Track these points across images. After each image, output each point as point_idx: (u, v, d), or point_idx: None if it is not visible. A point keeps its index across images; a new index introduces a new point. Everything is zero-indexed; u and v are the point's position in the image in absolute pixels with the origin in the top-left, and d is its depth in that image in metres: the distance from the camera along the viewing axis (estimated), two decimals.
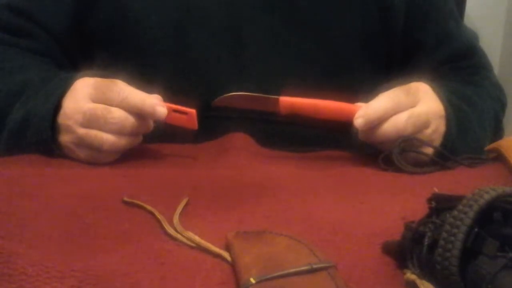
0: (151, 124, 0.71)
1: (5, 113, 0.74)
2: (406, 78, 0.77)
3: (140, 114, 0.69)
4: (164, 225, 0.52)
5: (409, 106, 0.73)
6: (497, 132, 0.91)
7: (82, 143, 0.69)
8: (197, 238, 0.48)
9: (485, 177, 0.70)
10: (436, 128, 0.75)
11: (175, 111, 0.71)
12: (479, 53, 0.96)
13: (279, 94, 0.76)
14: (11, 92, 0.76)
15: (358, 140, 0.74)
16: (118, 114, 0.68)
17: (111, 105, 0.69)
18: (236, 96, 0.75)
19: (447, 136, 0.75)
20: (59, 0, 0.84)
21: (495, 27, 1.60)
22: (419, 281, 0.40)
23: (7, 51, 0.84)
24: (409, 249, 0.43)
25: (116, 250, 0.47)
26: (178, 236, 0.50)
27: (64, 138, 0.70)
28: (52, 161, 0.70)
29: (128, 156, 0.73)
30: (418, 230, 0.43)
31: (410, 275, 0.41)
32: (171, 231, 0.50)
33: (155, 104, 0.69)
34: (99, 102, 0.69)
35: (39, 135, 0.70)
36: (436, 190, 0.46)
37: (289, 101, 0.75)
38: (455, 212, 0.39)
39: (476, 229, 0.38)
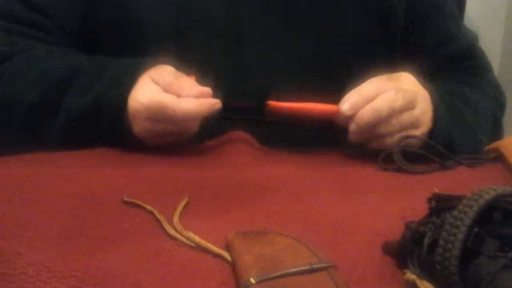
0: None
1: (54, 101, 0.75)
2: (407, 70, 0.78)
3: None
4: (164, 225, 0.52)
5: (392, 87, 0.73)
6: (496, 132, 0.91)
7: (151, 115, 0.71)
8: (197, 238, 0.48)
9: (485, 177, 0.70)
10: (424, 111, 0.75)
11: None
12: (478, 54, 0.96)
13: (276, 95, 0.76)
14: (58, 80, 0.76)
15: (351, 142, 0.75)
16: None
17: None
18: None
19: (437, 120, 0.75)
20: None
21: (495, 27, 1.60)
22: (419, 281, 0.40)
23: (26, 41, 0.83)
24: (409, 249, 0.43)
25: (116, 250, 0.47)
26: (178, 236, 0.50)
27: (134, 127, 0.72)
28: (52, 161, 0.70)
29: (128, 156, 0.73)
30: (418, 230, 0.43)
31: (410, 275, 0.41)
32: (171, 231, 0.50)
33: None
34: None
35: (113, 124, 0.72)
36: (436, 190, 0.45)
37: (274, 106, 0.76)
38: (455, 212, 0.39)
39: (476, 229, 0.38)
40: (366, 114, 0.72)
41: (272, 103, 0.76)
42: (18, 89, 0.77)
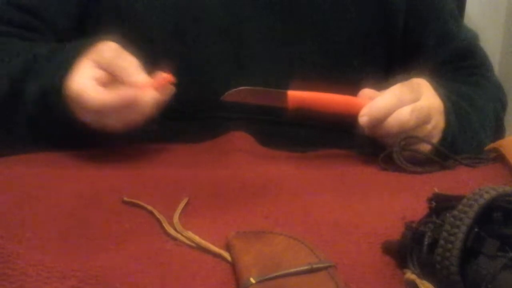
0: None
1: (19, 90, 0.73)
2: (406, 77, 0.78)
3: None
4: (164, 225, 0.51)
5: (413, 101, 0.73)
6: (498, 131, 0.91)
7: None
8: (197, 238, 0.48)
9: (485, 177, 0.70)
10: (436, 124, 0.75)
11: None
12: (479, 53, 0.96)
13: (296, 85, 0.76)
14: (20, 69, 0.75)
15: (363, 135, 0.75)
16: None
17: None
18: (244, 90, 0.75)
19: (446, 131, 0.76)
20: (64, 0, 0.84)
21: (495, 27, 1.60)
22: (419, 281, 0.40)
23: (11, 38, 0.82)
24: (409, 249, 0.43)
25: (116, 250, 0.47)
26: (178, 236, 0.50)
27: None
28: (52, 161, 0.70)
29: (128, 156, 0.73)
30: (418, 230, 0.43)
31: (410, 275, 0.41)
32: (171, 231, 0.50)
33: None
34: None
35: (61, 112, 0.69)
36: (436, 190, 0.45)
37: (297, 95, 0.75)
38: (455, 212, 0.39)
39: (476, 229, 0.38)
40: (377, 130, 0.73)
41: (293, 92, 0.75)
42: None
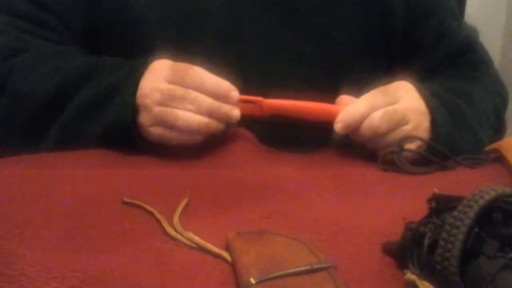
0: (233, 112, 0.72)
1: (71, 93, 0.74)
2: (406, 75, 0.78)
3: (216, 97, 0.71)
4: (164, 225, 0.52)
5: (387, 105, 0.74)
6: (499, 127, 0.91)
7: (157, 120, 0.70)
8: (197, 238, 0.48)
9: (485, 178, 0.70)
10: (418, 124, 0.75)
11: (244, 101, 0.74)
12: (479, 49, 0.96)
13: (274, 94, 0.76)
14: (77, 74, 0.75)
15: (337, 141, 0.77)
16: (195, 95, 0.70)
17: (188, 87, 0.70)
18: None
19: (436, 130, 0.76)
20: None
21: (495, 27, 1.60)
22: (419, 282, 0.40)
23: (35, 39, 0.82)
24: (409, 249, 0.43)
25: (116, 250, 0.47)
26: (178, 236, 0.50)
27: (141, 118, 0.71)
28: (52, 161, 0.70)
29: (128, 156, 0.73)
30: (418, 231, 0.43)
31: (410, 275, 0.41)
32: (171, 231, 0.50)
33: (230, 88, 0.72)
34: (176, 84, 0.70)
35: (119, 114, 0.71)
36: (436, 190, 0.45)
37: (272, 103, 0.76)
38: (455, 213, 0.39)
39: (476, 230, 0.38)
40: (352, 136, 0.76)
41: (267, 100, 0.76)
42: (32, 83, 0.76)
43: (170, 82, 0.70)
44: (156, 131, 0.71)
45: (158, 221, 0.53)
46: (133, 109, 0.71)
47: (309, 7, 0.85)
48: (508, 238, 0.38)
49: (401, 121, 0.74)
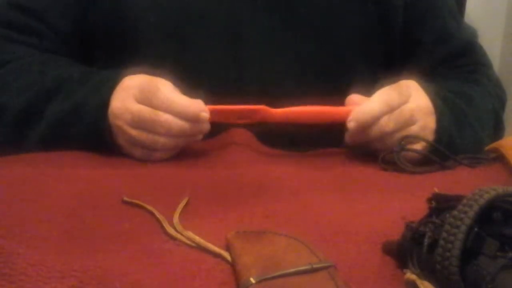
0: (203, 126, 0.72)
1: (39, 109, 0.74)
2: (404, 77, 0.78)
3: (186, 119, 0.70)
4: (164, 225, 0.52)
5: (401, 104, 0.74)
6: (498, 129, 0.91)
7: (135, 143, 0.71)
8: (197, 238, 0.48)
9: (485, 177, 0.70)
10: (425, 125, 0.75)
11: (245, 111, 0.74)
12: (478, 51, 0.96)
13: (273, 98, 0.76)
14: (45, 88, 0.76)
15: (345, 142, 0.76)
16: (165, 118, 0.69)
17: (158, 109, 0.70)
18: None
19: (439, 131, 0.75)
20: (63, 1, 0.84)
21: (495, 27, 1.60)
22: (419, 281, 0.40)
23: (21, 48, 0.83)
24: (409, 249, 0.43)
25: (116, 250, 0.47)
26: (178, 236, 0.50)
27: (117, 138, 0.72)
28: (52, 161, 0.70)
29: (127, 156, 0.73)
30: (418, 230, 0.43)
31: (410, 275, 0.41)
32: (171, 231, 0.50)
33: (199, 110, 0.70)
34: (145, 105, 0.70)
35: (91, 126, 0.71)
36: (436, 190, 0.45)
37: (277, 113, 0.75)
38: (455, 212, 0.39)
39: (476, 229, 0.38)
40: (360, 135, 0.75)
41: (273, 110, 0.75)
42: (7, 96, 0.77)
43: (139, 102, 0.70)
44: (137, 151, 0.72)
45: (158, 221, 0.53)
46: (105, 129, 0.71)
47: (309, 8, 0.85)
48: (508, 238, 0.38)
49: (409, 121, 0.74)
